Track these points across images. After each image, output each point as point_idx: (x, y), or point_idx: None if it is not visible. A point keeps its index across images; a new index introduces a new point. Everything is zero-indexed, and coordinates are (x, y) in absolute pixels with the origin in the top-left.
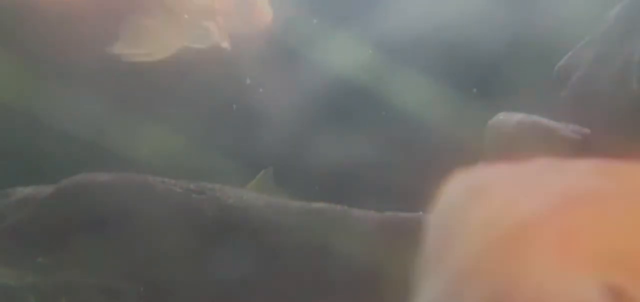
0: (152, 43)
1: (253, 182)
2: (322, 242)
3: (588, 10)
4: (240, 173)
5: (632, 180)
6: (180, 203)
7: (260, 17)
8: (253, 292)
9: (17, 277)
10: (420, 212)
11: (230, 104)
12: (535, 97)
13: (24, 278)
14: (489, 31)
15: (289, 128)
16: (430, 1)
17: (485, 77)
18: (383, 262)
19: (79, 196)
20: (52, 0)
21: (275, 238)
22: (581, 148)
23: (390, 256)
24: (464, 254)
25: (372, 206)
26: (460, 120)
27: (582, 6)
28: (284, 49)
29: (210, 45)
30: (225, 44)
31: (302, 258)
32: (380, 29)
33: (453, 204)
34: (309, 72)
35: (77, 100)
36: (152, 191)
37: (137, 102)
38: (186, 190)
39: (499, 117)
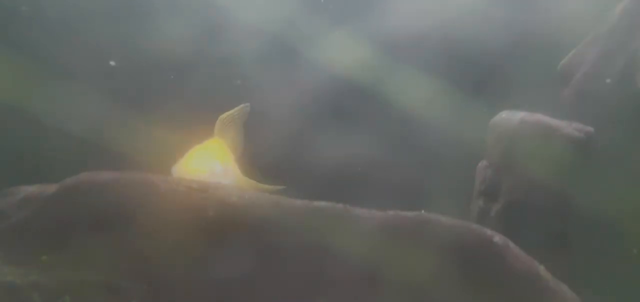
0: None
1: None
2: (323, 240)
3: (591, 8)
4: (241, 172)
5: None
6: (183, 202)
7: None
8: (254, 290)
9: (21, 275)
10: (422, 211)
11: (232, 104)
12: (538, 94)
13: (28, 276)
14: (492, 29)
15: (290, 127)
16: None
17: (488, 75)
18: (384, 260)
19: (82, 194)
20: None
21: (277, 237)
22: (584, 145)
23: (392, 254)
24: None
25: (373, 204)
26: (462, 119)
27: (586, 4)
28: (285, 48)
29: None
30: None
31: (303, 256)
32: (381, 27)
33: None
34: (310, 71)
35: (79, 100)
36: (155, 189)
37: (139, 101)
38: (188, 188)
39: (502, 115)
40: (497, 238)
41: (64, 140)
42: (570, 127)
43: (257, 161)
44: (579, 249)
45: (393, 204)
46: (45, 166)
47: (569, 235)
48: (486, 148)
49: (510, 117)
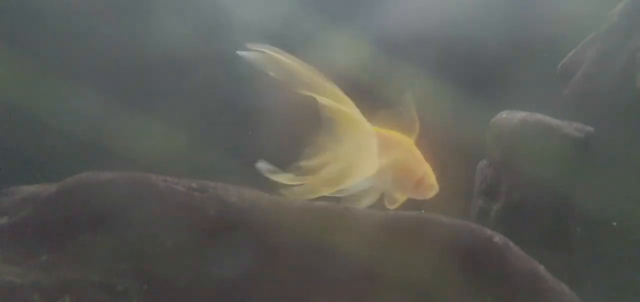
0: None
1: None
2: (323, 240)
3: (591, 8)
4: (241, 171)
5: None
6: (182, 201)
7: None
8: (254, 289)
9: (21, 275)
10: (422, 211)
11: (231, 103)
12: (538, 94)
13: (28, 275)
14: (492, 29)
15: (289, 126)
16: None
17: (488, 75)
18: (384, 260)
19: (82, 194)
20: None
21: (276, 236)
22: (584, 145)
23: (391, 254)
24: None
25: (373, 204)
26: (462, 118)
27: (586, 4)
28: (285, 47)
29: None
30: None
31: (303, 256)
32: (381, 27)
33: None
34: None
35: (79, 99)
36: (155, 189)
37: (139, 101)
38: (188, 188)
39: (502, 115)
40: (497, 238)
41: (64, 140)
42: (571, 127)
43: (257, 160)
44: (579, 249)
45: None
46: (45, 166)
47: (569, 235)
48: (486, 148)
49: (510, 117)
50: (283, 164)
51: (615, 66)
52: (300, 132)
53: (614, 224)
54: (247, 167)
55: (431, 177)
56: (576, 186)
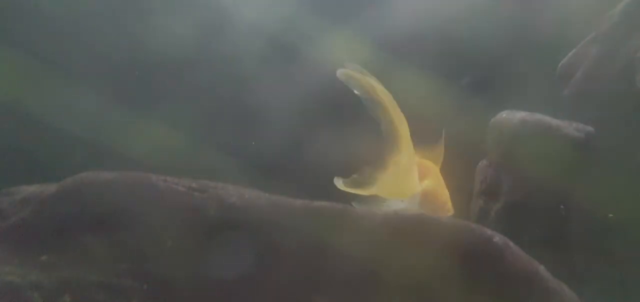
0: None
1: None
2: (323, 240)
3: (591, 8)
4: (241, 171)
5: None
6: (183, 201)
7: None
8: (254, 289)
9: (21, 275)
10: (421, 211)
11: (231, 103)
12: (538, 94)
13: (28, 276)
14: (492, 29)
15: (290, 126)
16: None
17: (488, 75)
18: (384, 260)
19: (82, 194)
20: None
21: (276, 236)
22: (584, 145)
23: (391, 254)
24: None
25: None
26: (462, 118)
27: (586, 4)
28: (285, 47)
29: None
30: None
31: (303, 256)
32: (381, 27)
33: None
34: (310, 70)
35: (79, 99)
36: (155, 189)
37: (139, 101)
38: (188, 188)
39: (502, 115)
40: (497, 238)
41: (64, 140)
42: (571, 127)
43: (257, 160)
44: (579, 249)
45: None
46: (45, 166)
47: (569, 235)
48: (486, 148)
49: (510, 117)
50: (283, 163)
51: (615, 66)
52: (299, 131)
53: (610, 215)
54: (247, 167)
55: (449, 202)
56: (576, 185)
